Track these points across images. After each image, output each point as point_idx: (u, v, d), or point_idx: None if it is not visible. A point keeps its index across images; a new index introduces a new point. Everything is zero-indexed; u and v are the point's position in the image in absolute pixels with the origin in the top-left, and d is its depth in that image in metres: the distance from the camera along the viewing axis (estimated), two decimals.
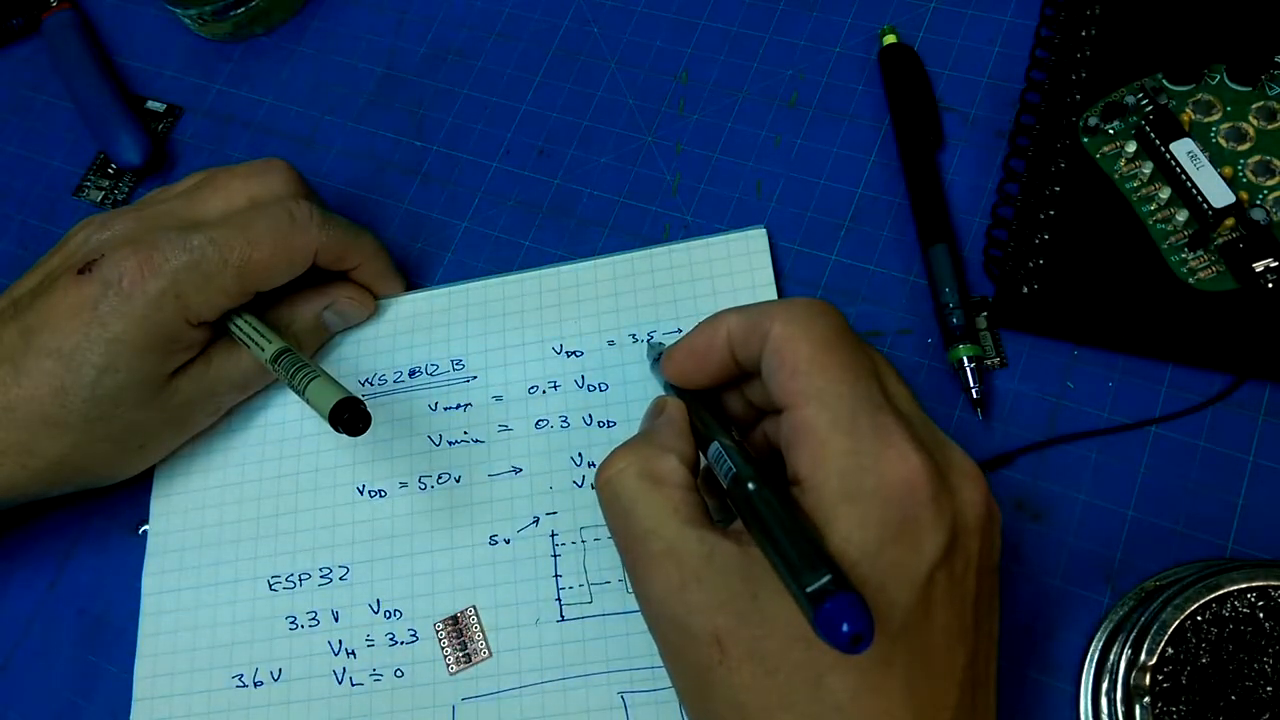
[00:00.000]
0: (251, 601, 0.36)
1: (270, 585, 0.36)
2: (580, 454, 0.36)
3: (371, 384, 0.39)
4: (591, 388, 0.37)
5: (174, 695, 0.35)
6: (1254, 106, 0.35)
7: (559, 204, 0.41)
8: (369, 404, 0.36)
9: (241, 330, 0.35)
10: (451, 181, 0.43)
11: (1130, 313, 0.33)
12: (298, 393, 0.32)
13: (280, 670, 0.35)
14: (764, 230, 0.38)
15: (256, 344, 0.35)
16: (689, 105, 0.42)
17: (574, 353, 0.38)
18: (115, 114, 0.46)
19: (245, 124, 0.46)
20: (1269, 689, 0.25)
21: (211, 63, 0.48)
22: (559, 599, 0.34)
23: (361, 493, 0.37)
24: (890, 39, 0.40)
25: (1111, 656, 0.28)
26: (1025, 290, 0.34)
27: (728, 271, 0.37)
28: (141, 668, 0.36)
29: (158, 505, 0.38)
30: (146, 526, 0.39)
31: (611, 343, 0.37)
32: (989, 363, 0.35)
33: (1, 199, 0.47)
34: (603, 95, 0.43)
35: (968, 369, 0.34)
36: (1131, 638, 0.27)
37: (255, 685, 0.35)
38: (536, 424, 0.37)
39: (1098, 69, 0.37)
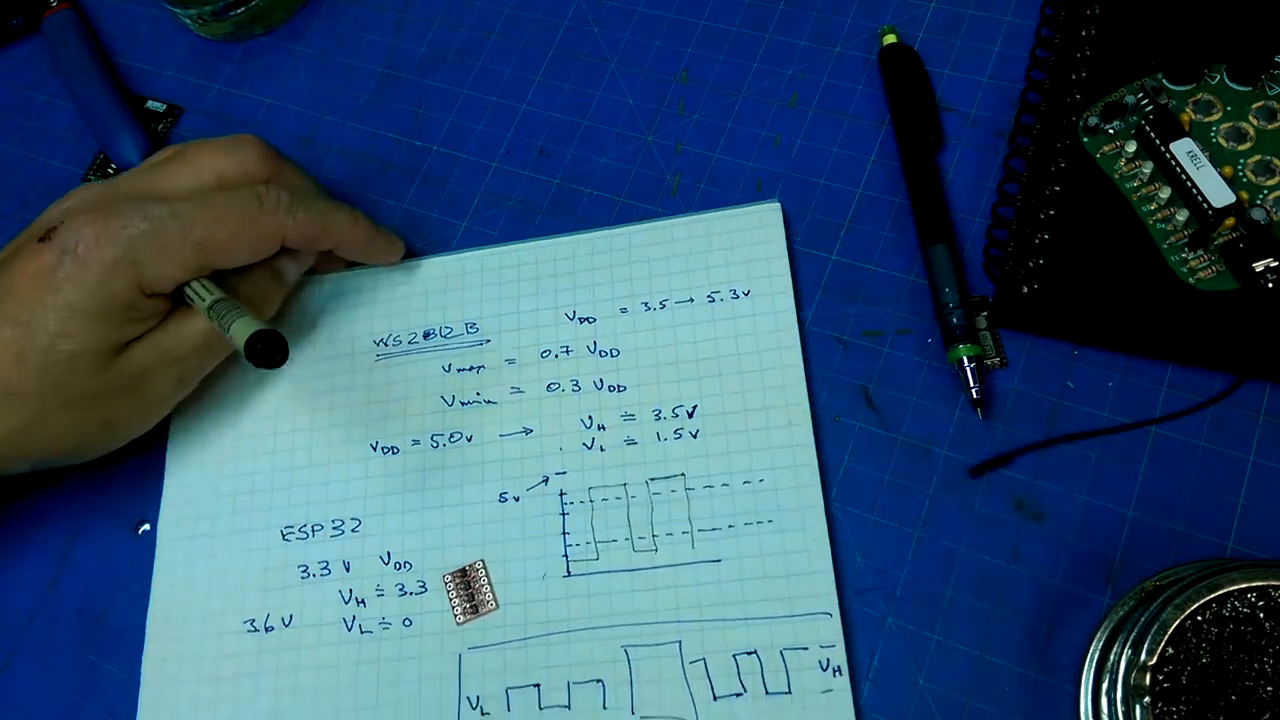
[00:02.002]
0: (264, 550, 0.37)
1: (283, 535, 0.37)
2: (590, 417, 0.37)
3: (386, 344, 0.39)
4: (603, 353, 0.38)
5: (186, 638, 0.36)
6: (1254, 106, 0.35)
7: (559, 204, 0.41)
8: (383, 363, 0.39)
9: (192, 289, 0.35)
10: (451, 181, 0.43)
11: (1130, 313, 0.33)
12: (227, 334, 0.33)
13: (291, 616, 0.36)
14: (778, 204, 0.39)
15: (200, 297, 0.34)
16: (689, 105, 0.42)
17: (587, 319, 0.38)
18: (115, 114, 0.46)
19: (245, 124, 0.46)
20: (1269, 689, 0.25)
21: (211, 63, 0.48)
22: (566, 555, 0.35)
23: (375, 449, 0.38)
24: (890, 39, 0.40)
25: (1111, 656, 0.28)
26: (1025, 290, 0.34)
27: (744, 243, 0.38)
28: (155, 610, 0.37)
29: (174, 456, 0.39)
30: (146, 526, 0.39)
31: (624, 310, 0.38)
32: (989, 363, 0.35)
33: (1, 199, 0.47)
34: (603, 95, 0.43)
35: (968, 369, 0.34)
36: (1131, 638, 0.27)
37: (266, 630, 0.36)
38: (548, 387, 0.37)
39: (1098, 69, 0.37)
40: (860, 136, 0.40)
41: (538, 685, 0.33)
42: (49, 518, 0.40)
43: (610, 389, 0.37)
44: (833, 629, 0.32)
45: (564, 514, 0.35)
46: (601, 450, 0.36)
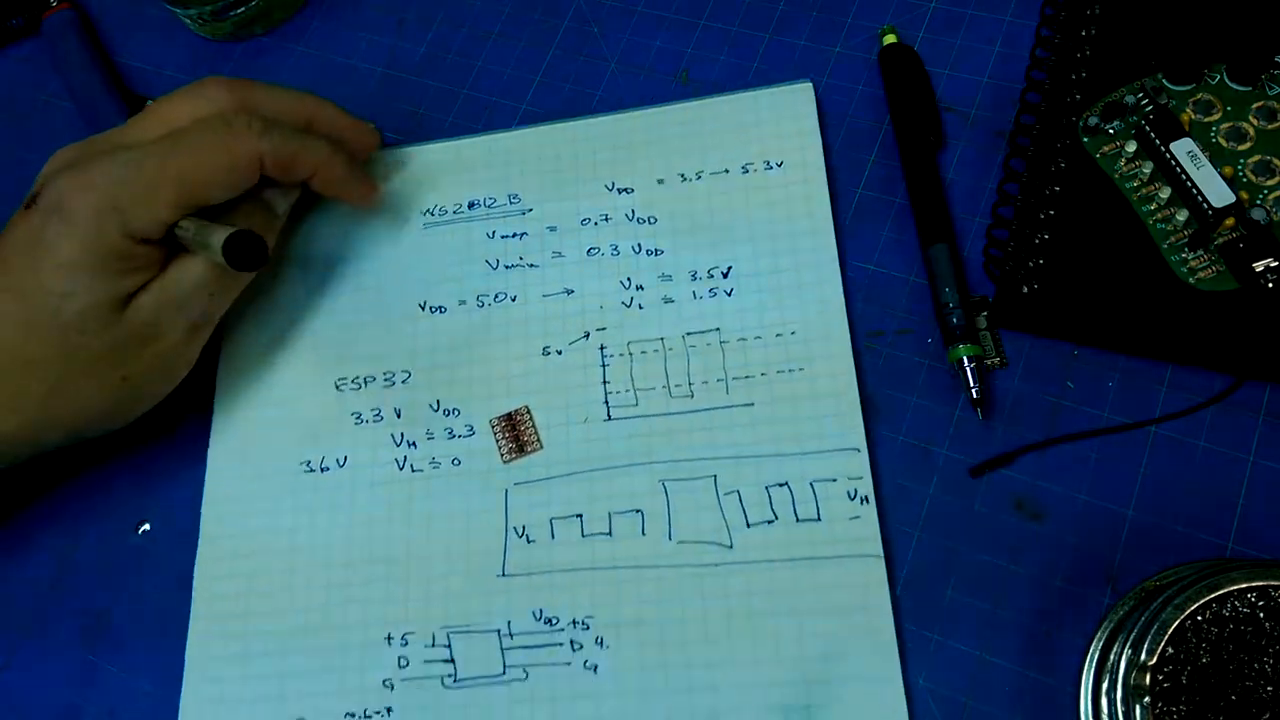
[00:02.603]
0: (319, 400, 0.39)
1: (337, 386, 0.39)
2: (629, 278, 0.39)
3: (433, 214, 0.41)
4: (641, 220, 0.39)
5: (244, 478, 0.38)
6: (1254, 106, 0.35)
7: None
8: (430, 231, 0.41)
9: (182, 228, 0.35)
10: None
11: (1130, 313, 0.33)
12: (206, 249, 0.34)
13: (345, 458, 0.38)
14: (809, 84, 0.40)
15: (187, 230, 0.34)
16: None
17: (625, 189, 0.40)
18: (115, 114, 0.46)
19: None
20: (1269, 689, 0.25)
21: (211, 63, 0.48)
22: (606, 402, 0.37)
23: (423, 308, 0.40)
24: (890, 39, 0.40)
25: (1111, 656, 0.28)
26: (1025, 290, 0.34)
27: (776, 119, 0.40)
28: (215, 453, 0.39)
29: (232, 316, 0.40)
30: (146, 526, 0.39)
31: (661, 181, 0.40)
32: (989, 363, 0.35)
33: (1, 199, 0.47)
34: (603, 95, 0.43)
35: (968, 369, 0.34)
36: (1131, 638, 0.27)
37: (322, 470, 0.38)
38: (588, 252, 0.39)
39: (1098, 69, 0.37)
40: (860, 136, 0.40)
41: (580, 515, 0.35)
42: (49, 518, 0.40)
43: (648, 253, 0.39)
44: (860, 463, 0.34)
45: (604, 365, 0.37)
46: (640, 308, 0.38)
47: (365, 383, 0.39)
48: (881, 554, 0.33)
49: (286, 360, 0.40)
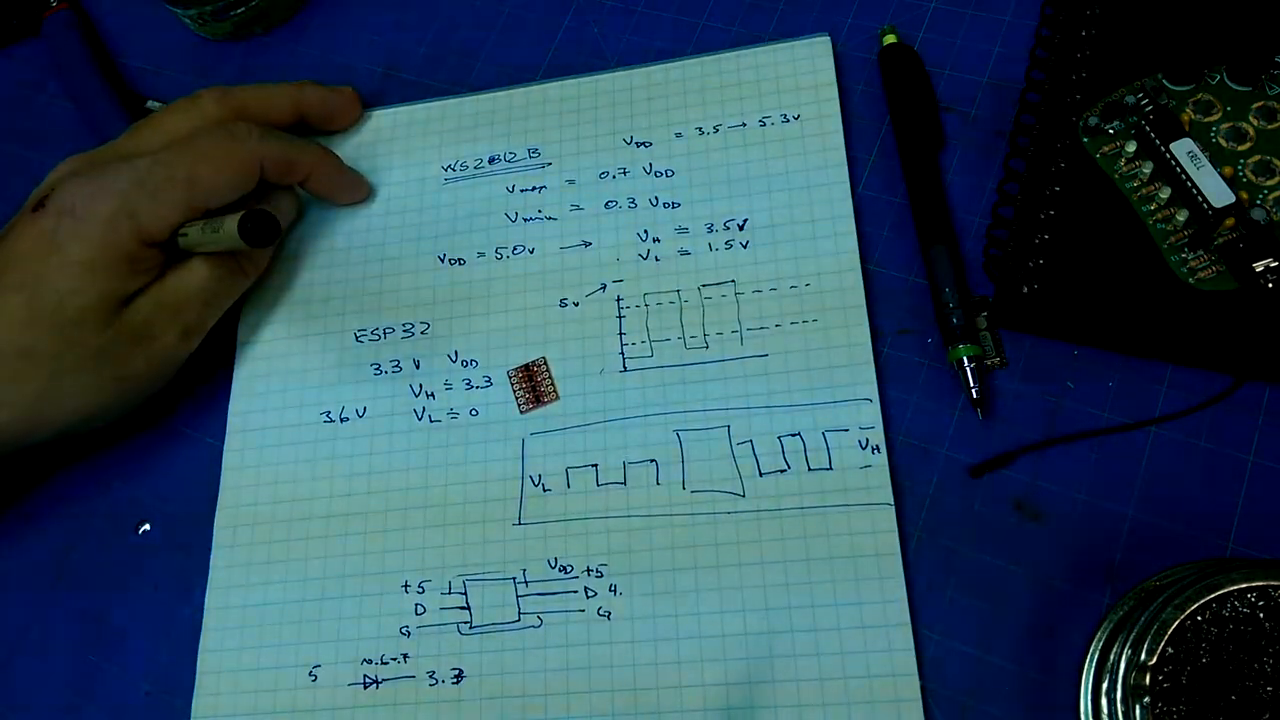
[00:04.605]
0: (339, 351, 0.40)
1: (356, 337, 0.40)
2: (646, 231, 0.39)
3: (453, 169, 0.42)
4: (659, 174, 0.40)
5: (265, 427, 0.39)
6: (1254, 106, 0.35)
7: None
8: (450, 186, 0.42)
9: (185, 234, 0.36)
10: None
11: (1130, 313, 0.33)
12: (219, 232, 0.35)
13: (365, 408, 0.38)
14: (827, 37, 0.41)
15: (187, 234, 0.36)
16: None
17: (643, 143, 0.41)
18: (115, 114, 0.46)
19: None
20: (1269, 689, 0.25)
21: (211, 63, 0.48)
22: (622, 353, 0.37)
23: (442, 260, 0.40)
24: (890, 39, 0.40)
25: (1111, 656, 0.28)
26: (1025, 290, 0.34)
27: (794, 73, 0.40)
28: (235, 405, 0.39)
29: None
30: (146, 526, 0.39)
31: (679, 135, 0.41)
32: (989, 363, 0.35)
33: (2, 200, 0.47)
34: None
35: (968, 369, 0.34)
36: (1131, 638, 0.27)
37: (341, 420, 0.38)
38: (606, 204, 0.40)
39: (1098, 69, 0.37)
40: (860, 137, 0.40)
41: (595, 465, 0.36)
42: (49, 518, 0.40)
43: (665, 205, 0.39)
44: (872, 413, 0.34)
45: (620, 317, 0.38)
46: (656, 260, 0.38)
47: (384, 334, 0.39)
48: (892, 502, 0.33)
49: (307, 311, 0.40)
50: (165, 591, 0.37)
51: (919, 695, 0.31)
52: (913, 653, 0.32)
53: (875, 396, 0.35)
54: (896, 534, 0.33)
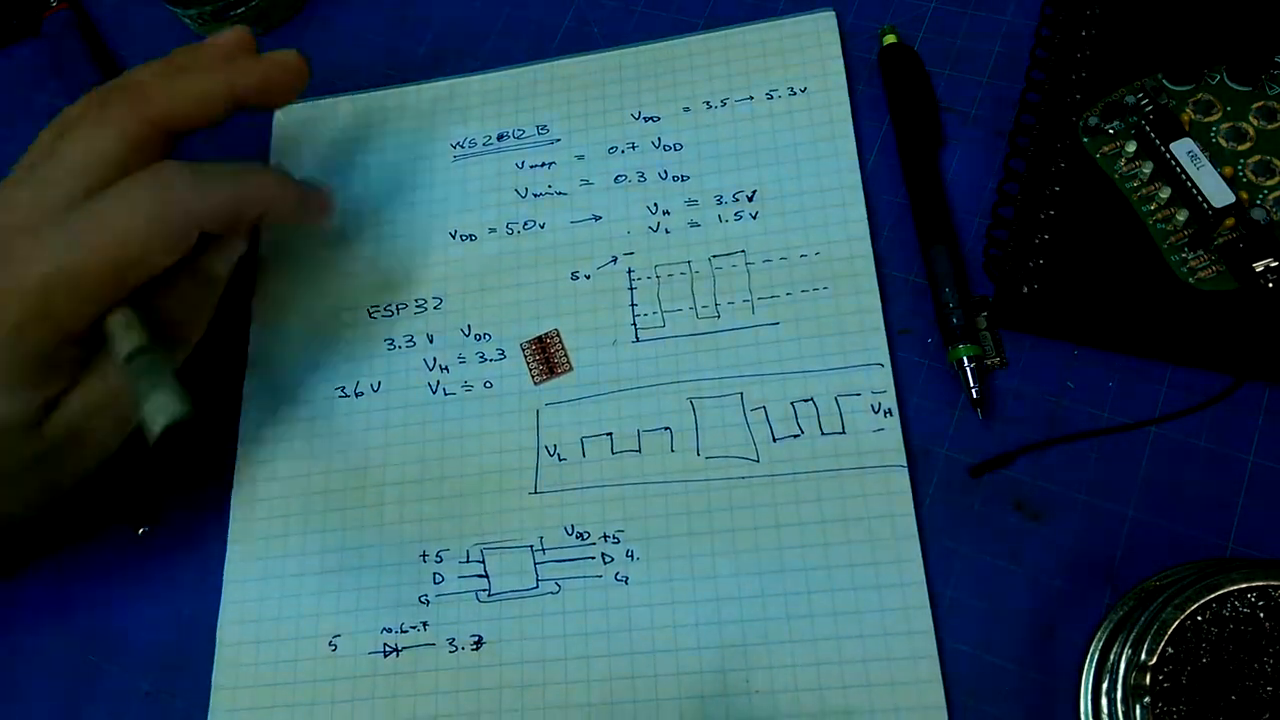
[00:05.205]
0: (352, 326, 0.40)
1: (370, 314, 0.40)
2: (655, 204, 0.40)
3: (462, 146, 0.42)
4: (667, 148, 0.41)
5: (279, 404, 0.39)
6: (1254, 106, 0.35)
7: None
8: (460, 163, 0.42)
9: (112, 326, 0.31)
10: None
11: (1130, 313, 0.33)
12: (137, 406, 0.29)
13: (379, 383, 0.39)
14: (832, 12, 0.41)
15: (116, 336, 0.30)
16: None
17: (651, 118, 0.41)
18: None
19: (243, 124, 0.46)
20: (1269, 689, 0.25)
21: None
22: (634, 324, 0.38)
23: (454, 236, 0.41)
24: (890, 39, 0.40)
25: (1111, 656, 0.28)
26: (1025, 290, 0.34)
27: (801, 46, 0.41)
28: (251, 383, 0.40)
29: (265, 251, 0.41)
30: (146, 527, 0.39)
31: (687, 109, 0.41)
32: (989, 363, 0.35)
33: None
34: None
35: (968, 369, 0.34)
36: (1131, 638, 0.27)
37: (356, 395, 0.39)
38: (615, 179, 0.40)
39: (1098, 69, 0.37)
40: (860, 137, 0.40)
41: (610, 434, 0.36)
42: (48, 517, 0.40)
43: (674, 179, 0.40)
44: (884, 377, 0.35)
45: (632, 288, 0.38)
46: (666, 233, 0.39)
47: (398, 309, 0.40)
48: (905, 464, 0.34)
49: (320, 288, 0.41)
50: (166, 590, 0.37)
51: (935, 652, 0.31)
52: (928, 610, 0.32)
53: (886, 361, 0.35)
54: (910, 495, 0.33)
